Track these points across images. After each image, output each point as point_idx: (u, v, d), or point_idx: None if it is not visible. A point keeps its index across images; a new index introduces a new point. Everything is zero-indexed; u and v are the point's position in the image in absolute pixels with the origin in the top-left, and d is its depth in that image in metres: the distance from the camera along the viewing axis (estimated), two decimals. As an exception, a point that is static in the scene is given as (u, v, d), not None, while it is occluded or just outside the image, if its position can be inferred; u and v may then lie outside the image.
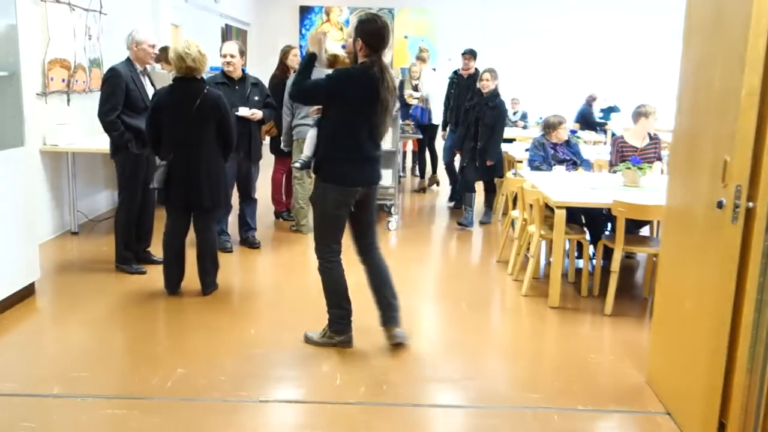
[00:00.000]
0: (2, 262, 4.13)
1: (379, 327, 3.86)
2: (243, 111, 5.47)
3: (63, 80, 6.18)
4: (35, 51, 5.73)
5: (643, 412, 3.25)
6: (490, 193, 7.29)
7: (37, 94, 5.78)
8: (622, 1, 13.71)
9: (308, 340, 3.87)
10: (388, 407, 3.22)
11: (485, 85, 6.71)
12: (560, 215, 4.55)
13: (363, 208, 3.78)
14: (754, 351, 2.75)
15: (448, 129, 8.04)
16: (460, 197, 7.51)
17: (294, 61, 6.42)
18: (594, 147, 8.42)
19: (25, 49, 4.49)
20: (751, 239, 2.68)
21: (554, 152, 5.98)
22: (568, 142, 6.09)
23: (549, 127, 6.00)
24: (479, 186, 7.14)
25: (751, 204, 2.67)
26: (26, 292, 4.43)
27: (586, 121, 11.35)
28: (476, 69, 7.57)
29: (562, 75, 14.07)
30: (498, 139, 6.80)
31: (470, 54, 7.85)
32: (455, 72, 8.04)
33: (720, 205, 2.75)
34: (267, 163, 6.30)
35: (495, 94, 6.71)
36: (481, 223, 7.09)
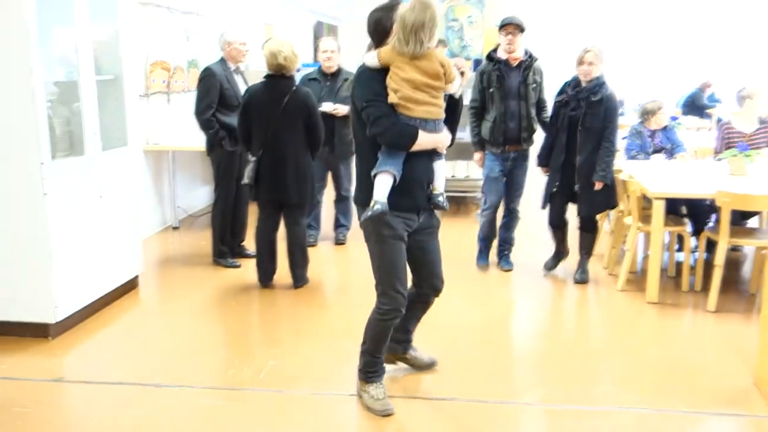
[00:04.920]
0: (110, 256, 4.37)
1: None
2: (326, 106, 5.39)
3: (163, 81, 6.46)
4: (138, 54, 6.02)
5: (750, 416, 3.07)
6: (588, 233, 4.93)
7: (140, 95, 6.07)
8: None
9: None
10: (454, 403, 3.18)
11: (587, 72, 4.57)
12: (658, 206, 4.34)
13: None
14: None
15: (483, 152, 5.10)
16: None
17: None
18: (697, 133, 7.98)
19: (128, 52, 4.72)
20: None
21: (651, 140, 5.70)
22: (665, 128, 5.78)
23: (647, 113, 5.70)
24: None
25: None
26: (131, 285, 4.67)
27: (694, 105, 10.78)
28: (527, 52, 4.89)
29: (660, 59, 13.38)
30: (611, 150, 4.65)
31: (514, 26, 4.74)
32: (489, 57, 4.93)
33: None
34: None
35: (600, 82, 4.60)
36: (576, 281, 4.90)
